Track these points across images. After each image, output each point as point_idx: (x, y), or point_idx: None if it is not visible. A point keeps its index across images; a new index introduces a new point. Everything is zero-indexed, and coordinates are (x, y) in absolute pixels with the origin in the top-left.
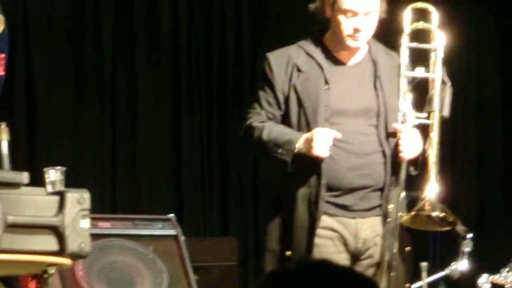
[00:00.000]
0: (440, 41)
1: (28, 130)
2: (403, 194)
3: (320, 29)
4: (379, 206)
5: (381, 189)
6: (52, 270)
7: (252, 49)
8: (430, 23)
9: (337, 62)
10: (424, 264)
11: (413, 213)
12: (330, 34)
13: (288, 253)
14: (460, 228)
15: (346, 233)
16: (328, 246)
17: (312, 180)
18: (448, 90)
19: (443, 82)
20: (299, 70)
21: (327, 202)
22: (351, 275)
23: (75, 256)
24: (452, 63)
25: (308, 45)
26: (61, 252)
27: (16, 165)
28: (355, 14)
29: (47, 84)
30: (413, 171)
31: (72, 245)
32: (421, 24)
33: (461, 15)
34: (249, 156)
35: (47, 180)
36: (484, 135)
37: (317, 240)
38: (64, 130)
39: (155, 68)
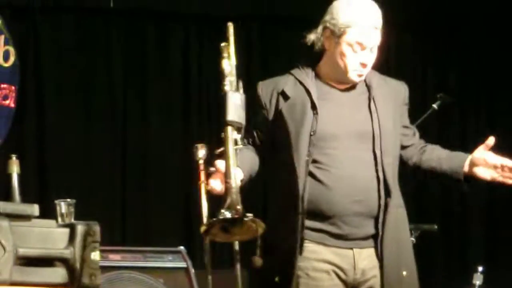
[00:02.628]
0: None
1: (38, 162)
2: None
3: (313, 59)
4: (375, 235)
5: (375, 216)
6: None
7: (261, 74)
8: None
9: (328, 87)
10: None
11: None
12: (325, 65)
13: (277, 279)
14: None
15: (344, 264)
16: (324, 280)
17: (296, 207)
18: None
19: None
20: (285, 96)
21: (322, 231)
22: None
23: None
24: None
25: (298, 72)
26: (71, 285)
27: (26, 198)
28: (363, 48)
29: (58, 116)
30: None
31: (83, 277)
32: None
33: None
34: (259, 187)
35: (57, 213)
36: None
37: (312, 274)
38: (74, 162)
39: (165, 102)
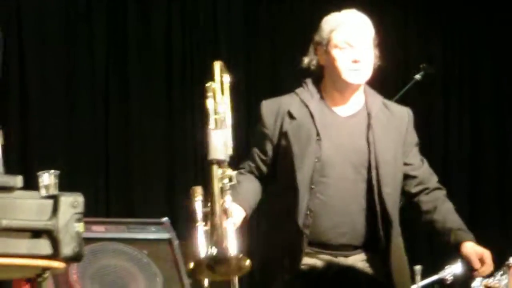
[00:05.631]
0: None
1: (21, 133)
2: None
3: (316, 78)
4: (362, 247)
5: (364, 248)
6: (46, 274)
7: (246, 50)
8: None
9: (331, 113)
10: (418, 268)
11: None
12: (327, 81)
13: None
14: None
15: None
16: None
17: (295, 235)
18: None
19: None
20: (291, 116)
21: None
22: None
23: (69, 260)
24: None
25: (303, 93)
26: (55, 256)
27: (9, 169)
28: (351, 45)
29: (41, 88)
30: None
31: (66, 249)
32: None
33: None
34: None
35: (41, 184)
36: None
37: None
38: (58, 134)
39: (148, 72)
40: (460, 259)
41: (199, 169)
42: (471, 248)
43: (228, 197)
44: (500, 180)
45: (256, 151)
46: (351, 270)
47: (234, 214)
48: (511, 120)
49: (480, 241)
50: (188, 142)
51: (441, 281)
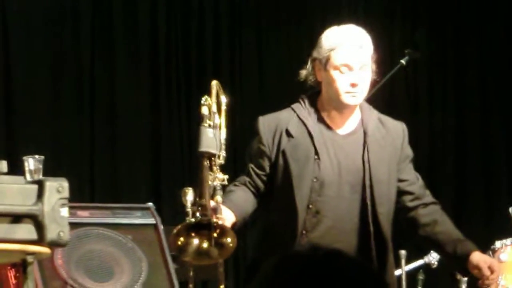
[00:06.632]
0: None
1: (6, 119)
2: None
3: (312, 94)
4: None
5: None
6: (31, 259)
7: (230, 40)
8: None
9: (328, 130)
10: (403, 252)
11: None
12: (324, 97)
13: None
14: None
15: None
16: None
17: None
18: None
19: None
20: (289, 135)
21: None
22: (364, 270)
23: (54, 245)
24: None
25: (300, 110)
26: (40, 241)
27: None
28: (350, 68)
29: (26, 73)
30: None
31: (51, 233)
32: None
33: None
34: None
35: (26, 169)
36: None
37: None
38: (43, 119)
39: (133, 60)
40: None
41: (186, 153)
42: (480, 257)
43: (218, 197)
44: (486, 176)
45: (252, 166)
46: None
47: (224, 215)
48: (497, 113)
49: (465, 227)
50: (174, 127)
51: (426, 266)
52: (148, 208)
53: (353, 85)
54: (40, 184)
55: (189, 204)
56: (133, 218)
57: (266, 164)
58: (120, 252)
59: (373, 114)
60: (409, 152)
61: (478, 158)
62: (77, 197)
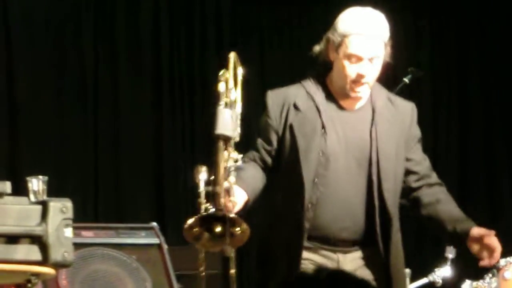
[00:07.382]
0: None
1: (10, 139)
2: None
3: (323, 70)
4: (361, 243)
5: (363, 244)
6: (35, 280)
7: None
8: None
9: (336, 106)
10: (406, 271)
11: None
12: (333, 76)
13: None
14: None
15: (328, 264)
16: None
17: (295, 228)
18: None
19: None
20: (297, 108)
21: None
22: None
23: (58, 266)
24: None
25: (309, 85)
26: (44, 262)
27: None
28: (359, 59)
29: (30, 93)
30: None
31: (56, 254)
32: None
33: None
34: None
35: (30, 190)
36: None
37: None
38: (47, 140)
39: (136, 76)
40: (450, 262)
41: (189, 173)
42: (480, 229)
43: (231, 178)
44: (489, 183)
45: (260, 141)
46: (347, 273)
47: (236, 196)
48: (500, 125)
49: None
50: (177, 147)
51: (430, 284)
52: (152, 228)
53: (359, 76)
54: (44, 204)
55: (202, 184)
56: (137, 238)
57: (274, 138)
58: (125, 272)
59: (383, 93)
60: (417, 132)
61: (482, 175)
62: (81, 217)
